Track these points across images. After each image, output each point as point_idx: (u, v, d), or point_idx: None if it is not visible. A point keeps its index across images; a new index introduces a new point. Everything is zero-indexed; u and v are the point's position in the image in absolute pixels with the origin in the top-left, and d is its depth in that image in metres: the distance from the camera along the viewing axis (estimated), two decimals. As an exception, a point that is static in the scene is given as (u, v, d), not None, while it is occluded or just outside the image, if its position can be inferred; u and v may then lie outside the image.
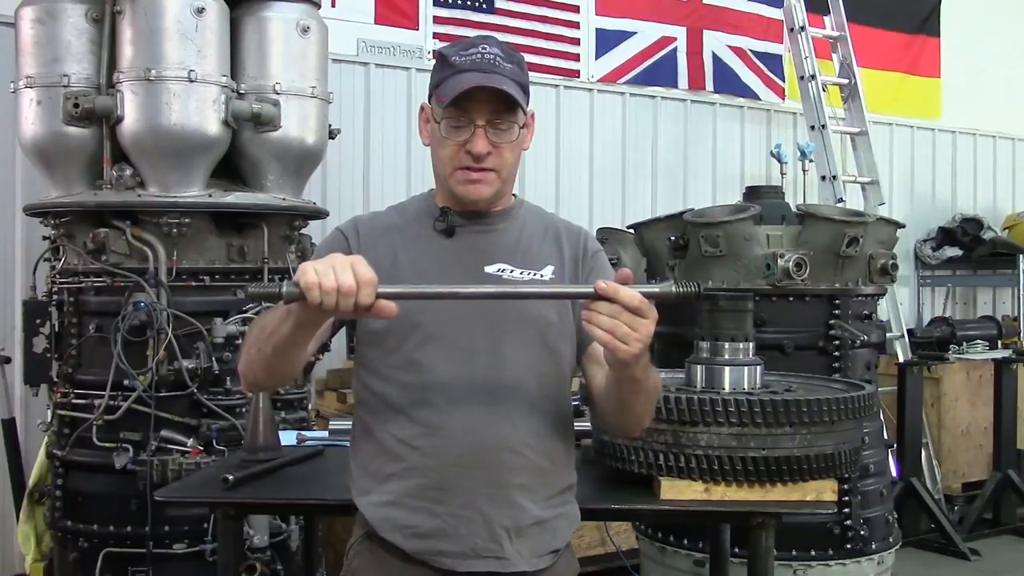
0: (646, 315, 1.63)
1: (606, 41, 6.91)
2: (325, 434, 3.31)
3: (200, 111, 3.74)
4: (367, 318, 1.66)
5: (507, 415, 1.86)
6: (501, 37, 1.95)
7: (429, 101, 1.92)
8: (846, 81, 6.99)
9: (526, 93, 1.88)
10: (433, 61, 5.29)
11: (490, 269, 1.93)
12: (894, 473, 5.39)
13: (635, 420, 1.90)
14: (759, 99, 7.60)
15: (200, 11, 3.73)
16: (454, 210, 1.93)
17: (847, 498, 3.73)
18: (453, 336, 1.86)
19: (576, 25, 6.80)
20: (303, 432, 3.38)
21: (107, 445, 3.72)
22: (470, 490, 1.84)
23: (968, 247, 8.07)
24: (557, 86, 6.68)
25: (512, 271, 1.93)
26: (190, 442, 3.69)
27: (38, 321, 3.94)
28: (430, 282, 1.83)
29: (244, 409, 3.69)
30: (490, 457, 1.85)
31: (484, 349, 1.86)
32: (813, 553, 3.79)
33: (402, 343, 1.86)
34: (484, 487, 1.85)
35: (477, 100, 1.81)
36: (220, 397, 3.81)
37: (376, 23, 6.07)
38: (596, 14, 6.89)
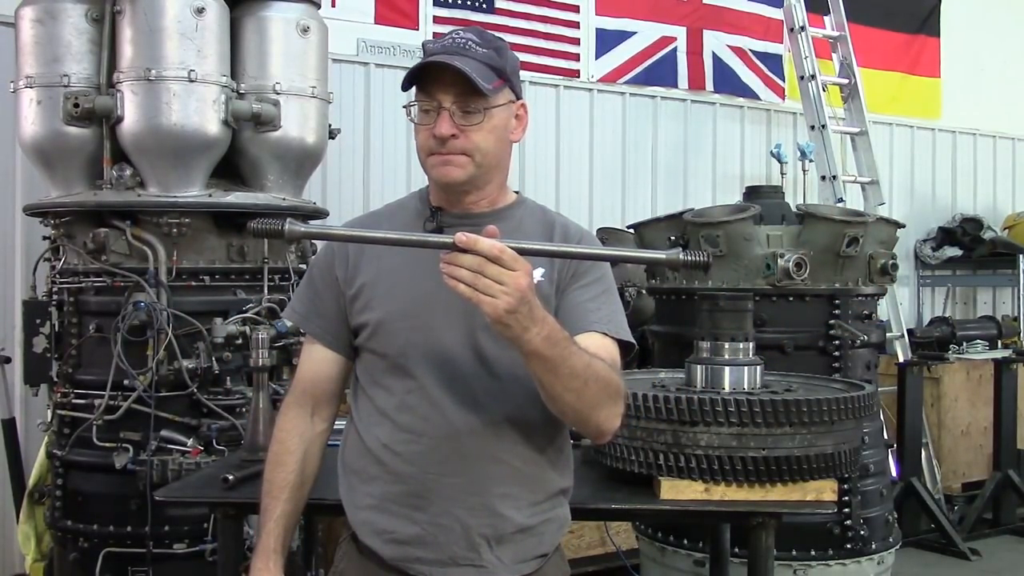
0: (513, 267, 1.52)
1: (606, 41, 6.91)
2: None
3: (200, 111, 3.74)
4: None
5: (491, 422, 1.81)
6: (501, 37, 1.93)
7: None
8: (846, 81, 6.99)
9: (502, 77, 1.82)
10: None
11: None
12: (894, 473, 5.39)
13: (572, 414, 1.74)
14: (759, 99, 7.60)
15: (200, 11, 3.73)
16: (446, 210, 1.89)
17: (847, 498, 3.73)
18: (435, 340, 1.82)
19: (576, 25, 6.80)
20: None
21: (107, 445, 3.72)
22: (449, 499, 1.81)
23: (968, 247, 8.07)
24: (557, 86, 6.67)
25: None
26: (190, 442, 3.68)
27: (38, 321, 3.94)
28: (416, 286, 1.82)
29: (244, 409, 3.69)
30: (471, 466, 1.81)
31: (466, 353, 1.82)
32: (813, 553, 3.79)
33: (388, 349, 1.85)
34: (463, 496, 1.81)
35: (442, 83, 1.77)
36: (220, 397, 3.81)
37: (376, 23, 6.07)
38: (596, 14, 6.89)
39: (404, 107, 1.88)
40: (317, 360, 1.96)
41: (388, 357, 1.85)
